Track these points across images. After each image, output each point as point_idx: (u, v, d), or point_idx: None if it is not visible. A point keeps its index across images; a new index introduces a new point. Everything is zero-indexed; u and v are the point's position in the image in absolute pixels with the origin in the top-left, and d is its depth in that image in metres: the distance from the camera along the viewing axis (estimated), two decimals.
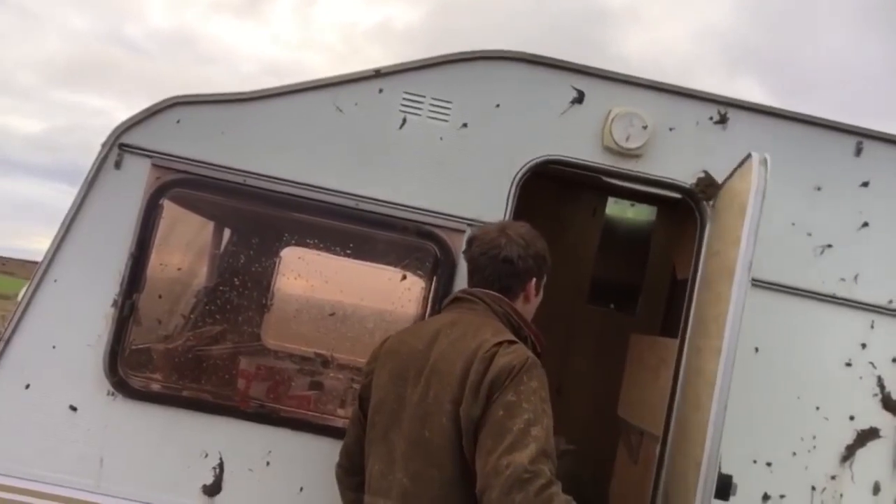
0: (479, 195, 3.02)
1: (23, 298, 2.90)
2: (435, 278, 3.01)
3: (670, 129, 3.10)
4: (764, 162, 2.50)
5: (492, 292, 2.32)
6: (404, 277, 3.15)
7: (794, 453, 3.01)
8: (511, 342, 2.14)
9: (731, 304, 2.42)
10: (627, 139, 3.02)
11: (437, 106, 3.05)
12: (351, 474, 2.43)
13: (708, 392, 2.51)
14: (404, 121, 3.04)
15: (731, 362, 2.39)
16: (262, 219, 3.27)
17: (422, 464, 2.09)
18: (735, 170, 2.83)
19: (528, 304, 2.40)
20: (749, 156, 2.62)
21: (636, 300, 5.11)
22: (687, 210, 3.31)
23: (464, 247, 2.45)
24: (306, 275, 3.30)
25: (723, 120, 3.13)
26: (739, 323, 2.42)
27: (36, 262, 2.98)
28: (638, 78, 3.11)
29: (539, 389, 2.04)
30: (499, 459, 1.91)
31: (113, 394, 2.88)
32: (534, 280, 2.37)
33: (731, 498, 2.68)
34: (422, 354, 2.20)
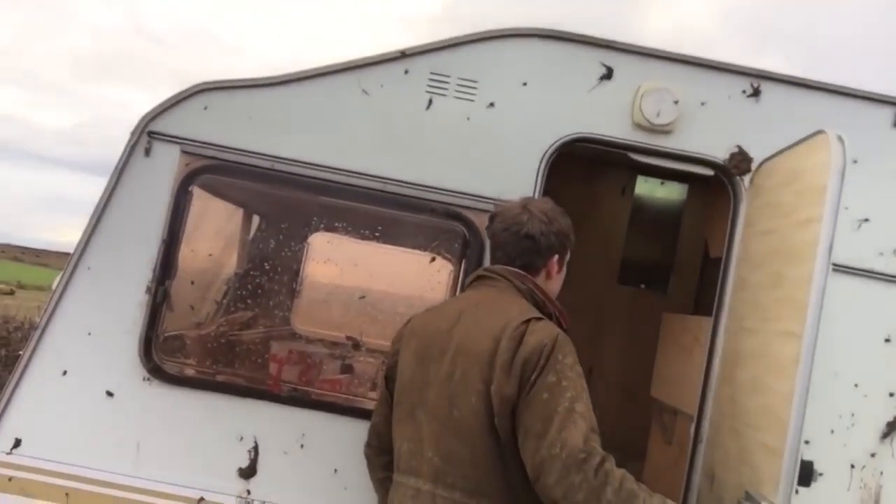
0: (508, 175, 2.99)
1: (57, 286, 2.94)
2: (464, 260, 2.99)
3: (702, 104, 3.04)
4: (841, 140, 2.40)
5: (514, 269, 2.33)
6: (433, 259, 3.14)
7: (833, 431, 2.96)
8: (538, 319, 2.15)
9: (812, 289, 2.34)
10: (658, 115, 2.97)
11: (464, 86, 3.02)
12: (380, 454, 2.46)
13: (777, 377, 2.45)
14: (431, 101, 3.02)
15: (812, 349, 2.32)
16: (290, 204, 3.28)
17: (452, 443, 2.11)
18: (794, 145, 2.73)
19: (551, 281, 2.39)
20: (820, 132, 2.52)
21: (667, 279, 5.06)
22: (719, 186, 3.25)
23: (486, 223, 2.46)
24: (335, 259, 3.31)
25: (756, 93, 3.07)
26: (820, 308, 2.34)
27: (70, 254, 3.02)
28: (668, 52, 3.05)
29: (574, 364, 2.06)
30: (551, 443, 1.93)
31: (148, 379, 2.91)
32: (556, 257, 2.37)
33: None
34: (445, 334, 2.21)
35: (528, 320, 2.12)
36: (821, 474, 2.92)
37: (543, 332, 2.09)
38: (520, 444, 2.02)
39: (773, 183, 2.84)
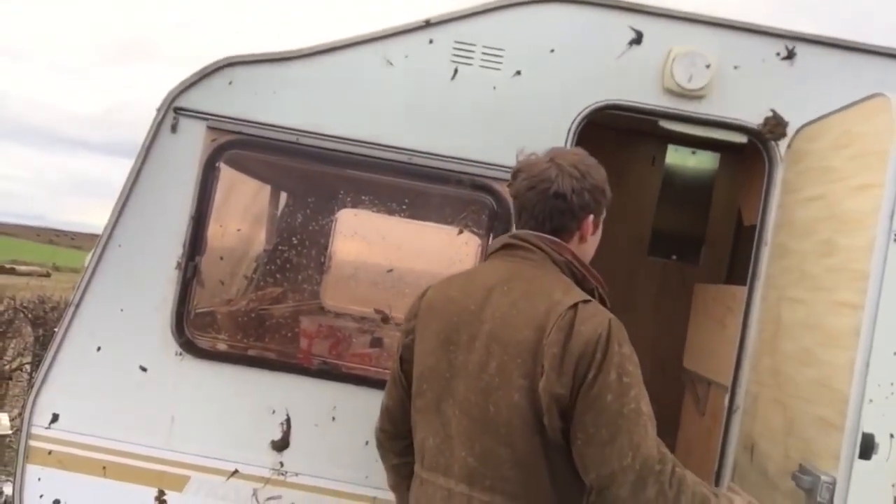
0: (535, 145, 2.90)
1: (89, 264, 2.97)
2: (492, 232, 2.96)
3: (735, 68, 2.96)
4: None
5: (547, 236, 2.04)
6: (461, 232, 3.11)
7: (871, 400, 2.89)
8: (585, 301, 1.91)
9: (873, 258, 2.24)
10: (690, 79, 2.89)
11: (489, 54, 2.97)
12: (395, 438, 2.26)
13: (831, 348, 2.39)
14: (456, 71, 2.97)
15: (873, 320, 2.24)
16: (316, 178, 3.27)
17: (489, 442, 1.90)
18: (844, 108, 2.63)
19: (585, 245, 2.12)
20: (878, 95, 2.40)
21: (699, 250, 4.99)
22: (753, 154, 3.17)
23: (509, 180, 2.16)
24: (363, 233, 3.29)
25: (790, 55, 2.98)
26: (882, 278, 2.24)
27: None
28: (699, 15, 2.97)
29: (631, 354, 1.87)
30: (621, 452, 1.77)
31: (181, 354, 2.94)
32: (591, 217, 2.08)
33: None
34: (474, 316, 1.97)
35: (576, 304, 1.88)
36: None
37: (595, 319, 1.86)
38: (578, 449, 1.83)
39: (819, 147, 2.74)
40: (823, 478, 2.28)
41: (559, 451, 1.88)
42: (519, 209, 2.11)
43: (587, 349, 1.82)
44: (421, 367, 2.07)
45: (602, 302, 2.03)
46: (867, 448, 2.34)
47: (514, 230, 2.15)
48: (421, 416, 2.07)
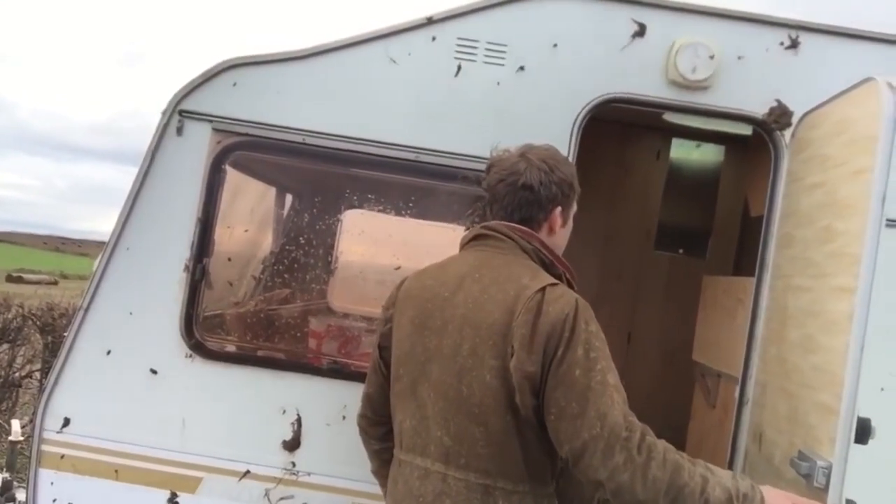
0: (540, 140, 2.91)
1: (97, 267, 2.97)
2: None
3: (739, 58, 2.95)
4: (891, 86, 2.27)
5: (517, 226, 2.13)
6: (468, 229, 3.10)
7: (883, 389, 2.87)
8: (553, 285, 1.99)
9: (865, 242, 2.24)
10: (693, 71, 2.88)
11: (493, 50, 2.96)
12: (376, 424, 2.36)
13: (831, 334, 2.39)
14: (459, 68, 2.97)
15: (867, 303, 2.25)
16: (322, 178, 3.27)
17: (464, 421, 1.98)
18: (840, 94, 2.63)
19: (554, 236, 2.20)
20: (869, 79, 2.40)
21: (706, 243, 4.98)
22: (758, 145, 3.16)
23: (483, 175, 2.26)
24: (369, 232, 3.29)
25: (794, 45, 2.97)
26: (874, 261, 2.25)
27: None
28: (702, 6, 2.97)
29: (598, 331, 1.94)
30: (591, 423, 1.83)
31: (191, 356, 2.94)
32: (559, 209, 2.17)
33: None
34: (447, 301, 2.05)
35: (544, 288, 1.96)
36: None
37: (562, 300, 1.94)
38: (552, 424, 1.91)
39: (820, 134, 2.74)
40: (820, 463, 2.28)
41: (530, 428, 1.96)
42: (490, 201, 2.21)
43: (555, 328, 1.90)
44: (398, 352, 2.15)
45: (570, 287, 2.10)
46: (863, 432, 2.34)
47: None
48: (399, 400, 2.15)
